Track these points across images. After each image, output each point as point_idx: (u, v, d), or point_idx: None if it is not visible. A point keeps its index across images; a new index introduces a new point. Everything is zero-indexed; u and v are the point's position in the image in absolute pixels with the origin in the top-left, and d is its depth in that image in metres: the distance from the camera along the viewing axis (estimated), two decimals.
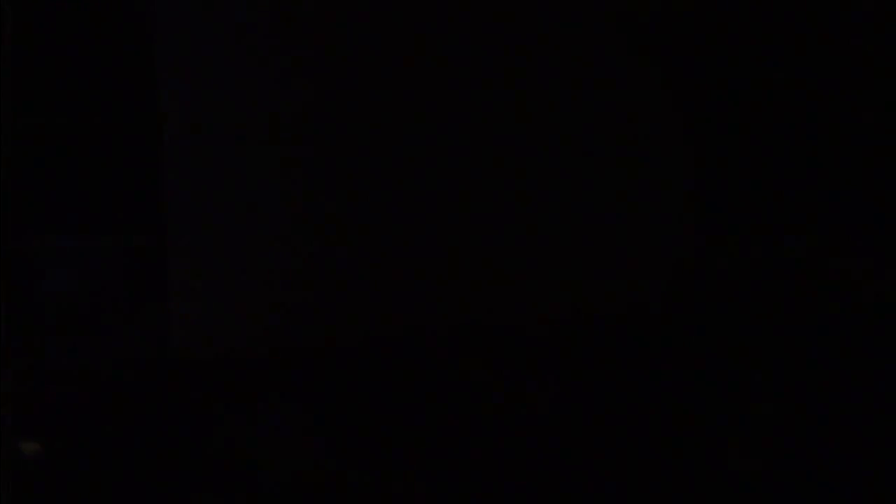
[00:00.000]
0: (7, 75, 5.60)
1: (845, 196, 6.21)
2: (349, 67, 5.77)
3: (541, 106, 5.95)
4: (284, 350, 5.88)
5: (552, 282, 6.06)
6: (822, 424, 5.28)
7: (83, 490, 4.80)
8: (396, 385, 5.75)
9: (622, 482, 4.85)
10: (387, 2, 5.78)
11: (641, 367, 5.87)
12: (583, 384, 5.78)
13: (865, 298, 6.16)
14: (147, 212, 5.78)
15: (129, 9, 5.65)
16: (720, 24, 6.01)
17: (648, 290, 6.10)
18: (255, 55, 5.69)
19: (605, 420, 5.39)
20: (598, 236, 6.08)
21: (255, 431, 5.29)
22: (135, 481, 4.85)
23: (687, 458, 5.07)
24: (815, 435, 5.19)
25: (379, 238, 5.91)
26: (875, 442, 5.12)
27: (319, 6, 5.71)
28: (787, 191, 6.19)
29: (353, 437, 5.25)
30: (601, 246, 6.08)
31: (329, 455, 5.10)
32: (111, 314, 5.88)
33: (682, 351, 6.01)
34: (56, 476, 4.90)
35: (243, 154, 5.74)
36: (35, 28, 5.65)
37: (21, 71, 5.65)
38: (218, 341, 5.83)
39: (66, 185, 5.79)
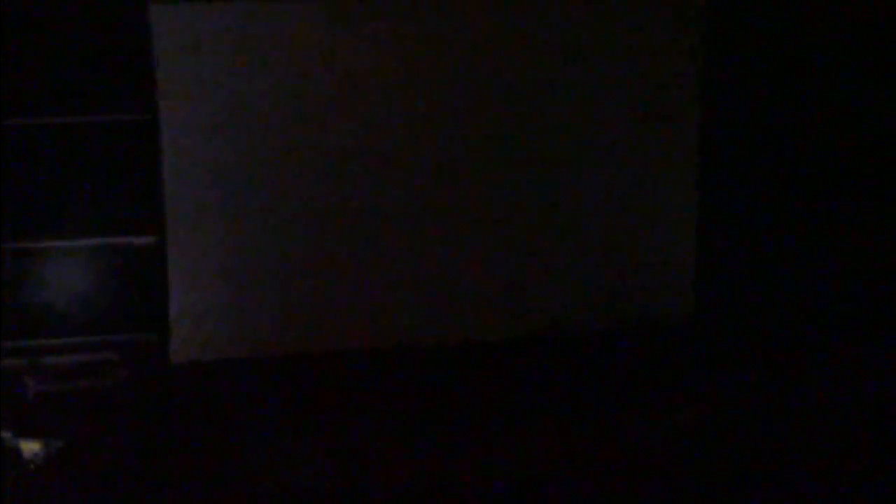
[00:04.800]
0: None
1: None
2: (351, 76, 5.77)
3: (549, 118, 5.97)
4: (283, 353, 5.88)
5: (560, 294, 6.08)
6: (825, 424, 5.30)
7: (83, 490, 4.79)
8: (394, 390, 5.75)
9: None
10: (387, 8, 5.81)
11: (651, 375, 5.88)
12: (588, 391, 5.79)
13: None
14: (147, 214, 5.78)
15: (129, 13, 5.64)
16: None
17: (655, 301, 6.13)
18: (255, 59, 5.70)
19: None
20: (606, 247, 6.09)
21: (254, 434, 5.29)
22: (133, 481, 4.86)
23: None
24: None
25: (380, 244, 5.91)
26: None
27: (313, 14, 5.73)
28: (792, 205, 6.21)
29: (352, 440, 5.25)
30: (608, 257, 6.10)
31: (327, 457, 5.10)
32: (111, 314, 5.88)
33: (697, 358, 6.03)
34: (55, 476, 4.90)
35: (242, 162, 5.75)
36: (38, 31, 5.65)
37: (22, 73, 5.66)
38: (217, 344, 5.83)
39: (66, 187, 5.79)
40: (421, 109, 5.86)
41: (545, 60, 5.92)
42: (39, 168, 5.75)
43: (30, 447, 4.99)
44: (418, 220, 5.94)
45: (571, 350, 6.01)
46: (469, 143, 5.92)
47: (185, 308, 5.79)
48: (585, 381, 5.81)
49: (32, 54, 5.65)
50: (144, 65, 5.63)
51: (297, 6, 5.68)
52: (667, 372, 5.86)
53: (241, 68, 5.68)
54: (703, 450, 5.12)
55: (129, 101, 5.74)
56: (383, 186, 5.88)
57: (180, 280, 5.77)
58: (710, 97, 6.04)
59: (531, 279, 6.05)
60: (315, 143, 5.80)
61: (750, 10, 6.09)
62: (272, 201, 5.80)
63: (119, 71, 5.72)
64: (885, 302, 6.14)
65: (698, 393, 5.63)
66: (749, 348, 6.01)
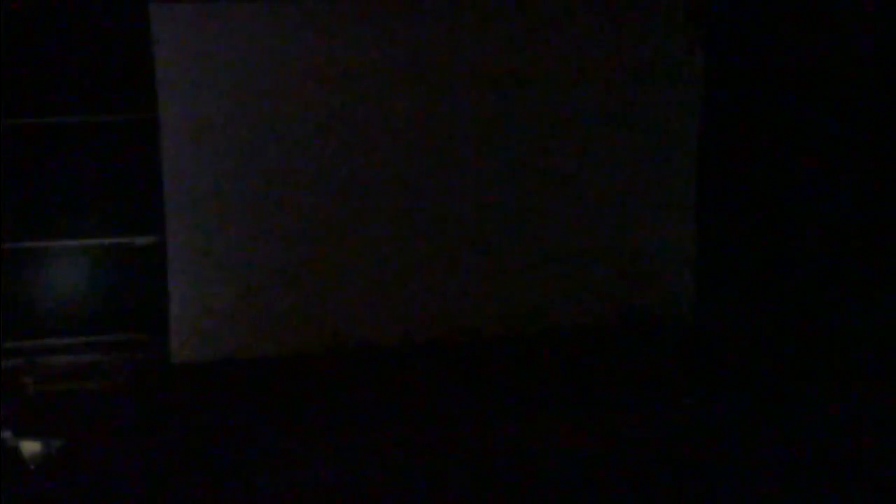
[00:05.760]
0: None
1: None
2: (350, 76, 5.77)
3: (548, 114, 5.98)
4: (282, 353, 5.88)
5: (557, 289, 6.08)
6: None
7: (83, 490, 4.79)
8: (394, 390, 5.75)
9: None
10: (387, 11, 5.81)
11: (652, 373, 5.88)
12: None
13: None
14: (147, 214, 5.79)
15: (129, 13, 5.64)
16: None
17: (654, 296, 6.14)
18: (255, 61, 5.70)
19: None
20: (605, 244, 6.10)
21: (254, 434, 5.29)
22: (133, 481, 4.86)
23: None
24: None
25: (380, 244, 5.91)
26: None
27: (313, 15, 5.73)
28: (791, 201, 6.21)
29: (351, 440, 5.25)
30: (606, 254, 6.10)
31: (327, 457, 5.10)
32: (111, 314, 5.88)
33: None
34: (55, 476, 4.90)
35: (242, 162, 5.75)
36: (38, 31, 5.65)
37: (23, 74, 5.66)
38: (217, 344, 5.83)
39: (66, 187, 5.79)
40: (421, 110, 5.86)
41: (546, 61, 5.92)
42: (39, 168, 5.75)
43: (30, 447, 4.99)
44: (418, 220, 5.93)
45: (571, 348, 6.00)
46: (469, 144, 5.92)
47: (185, 308, 5.79)
48: (585, 378, 5.81)
49: (32, 54, 5.65)
50: (144, 65, 5.63)
51: (296, 6, 5.68)
52: (666, 370, 5.86)
53: (241, 68, 5.68)
54: (702, 448, 5.12)
55: (129, 101, 5.74)
56: (383, 186, 5.88)
57: (180, 280, 5.77)
58: (710, 97, 6.04)
59: (532, 278, 6.04)
60: (315, 143, 5.80)
61: (750, 11, 6.09)
62: (272, 201, 5.80)
63: (119, 71, 5.72)
64: (884, 299, 6.14)
65: (697, 392, 5.64)
66: (748, 347, 6.01)
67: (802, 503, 4.69)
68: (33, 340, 5.78)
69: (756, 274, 6.22)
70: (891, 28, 6.12)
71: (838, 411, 5.39)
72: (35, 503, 4.75)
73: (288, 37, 5.70)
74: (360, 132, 5.82)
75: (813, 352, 5.93)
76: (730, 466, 4.95)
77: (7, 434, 5.06)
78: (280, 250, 5.83)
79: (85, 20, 5.66)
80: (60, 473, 4.91)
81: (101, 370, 5.76)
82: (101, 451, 5.08)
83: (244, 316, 5.84)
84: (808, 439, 5.15)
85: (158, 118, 5.65)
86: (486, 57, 5.87)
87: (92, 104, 5.73)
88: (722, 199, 6.16)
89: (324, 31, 5.73)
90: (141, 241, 5.84)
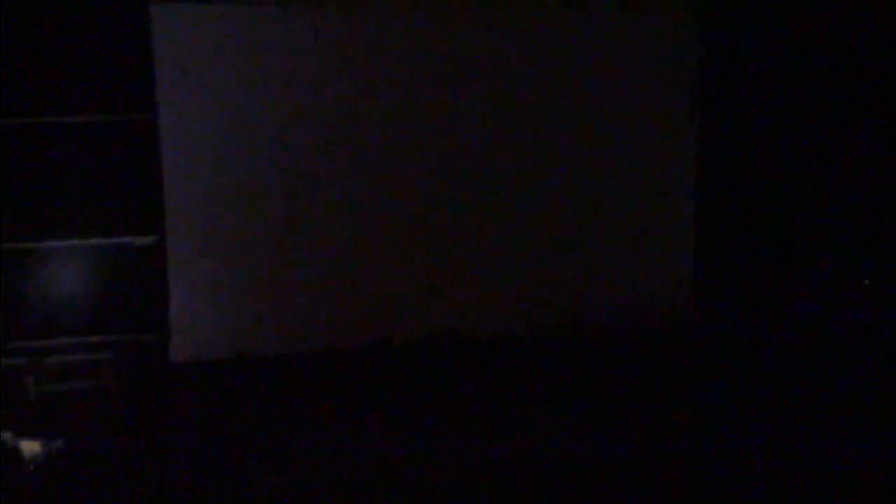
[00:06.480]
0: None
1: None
2: (349, 76, 5.78)
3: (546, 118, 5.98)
4: (282, 353, 5.88)
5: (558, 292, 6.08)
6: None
7: (83, 490, 4.80)
8: (393, 389, 5.75)
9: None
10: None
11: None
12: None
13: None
14: (147, 214, 5.79)
15: (129, 13, 5.65)
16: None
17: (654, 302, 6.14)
18: (255, 61, 5.70)
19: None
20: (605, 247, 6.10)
21: (254, 433, 5.30)
22: (133, 481, 4.86)
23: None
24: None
25: (379, 246, 5.91)
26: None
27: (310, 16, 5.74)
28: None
29: (351, 439, 5.26)
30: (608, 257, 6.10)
31: (326, 456, 5.11)
32: (111, 314, 5.88)
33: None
34: (55, 476, 4.91)
35: (241, 162, 5.75)
36: (38, 31, 5.65)
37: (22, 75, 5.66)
38: (217, 344, 5.84)
39: (66, 187, 5.79)
40: (422, 112, 5.86)
41: (550, 68, 5.93)
42: (39, 168, 5.75)
43: (30, 447, 5.00)
44: (418, 222, 5.94)
45: (571, 349, 6.01)
46: (469, 148, 5.93)
47: (185, 308, 5.79)
48: (585, 379, 5.81)
49: (32, 54, 5.65)
50: (144, 65, 5.63)
51: (295, 7, 5.69)
52: (665, 372, 5.87)
53: (241, 68, 5.68)
54: (700, 448, 5.13)
55: (129, 101, 5.74)
56: (383, 189, 5.88)
57: (180, 280, 5.77)
58: (708, 103, 6.05)
59: (532, 280, 6.05)
60: (315, 144, 5.80)
61: (746, 14, 6.09)
62: (271, 201, 5.80)
63: (119, 71, 5.72)
64: (883, 299, 6.15)
65: (696, 392, 5.65)
66: (746, 348, 6.01)
67: (798, 503, 4.70)
68: (33, 340, 5.78)
69: (754, 276, 6.23)
70: (891, 28, 6.12)
71: (837, 411, 5.40)
72: (35, 503, 4.75)
73: (287, 37, 5.71)
74: (359, 132, 5.83)
75: (811, 352, 5.93)
76: (728, 466, 4.95)
77: (7, 434, 5.06)
78: (279, 250, 5.83)
79: (85, 20, 5.66)
80: (60, 473, 4.91)
81: (101, 370, 5.76)
82: (101, 451, 5.08)
83: (244, 316, 5.84)
84: (804, 439, 5.16)
85: (158, 118, 5.65)
86: (488, 56, 5.88)
87: (92, 104, 5.73)
88: (720, 202, 6.17)
89: (322, 31, 5.73)
90: (141, 241, 5.84)
